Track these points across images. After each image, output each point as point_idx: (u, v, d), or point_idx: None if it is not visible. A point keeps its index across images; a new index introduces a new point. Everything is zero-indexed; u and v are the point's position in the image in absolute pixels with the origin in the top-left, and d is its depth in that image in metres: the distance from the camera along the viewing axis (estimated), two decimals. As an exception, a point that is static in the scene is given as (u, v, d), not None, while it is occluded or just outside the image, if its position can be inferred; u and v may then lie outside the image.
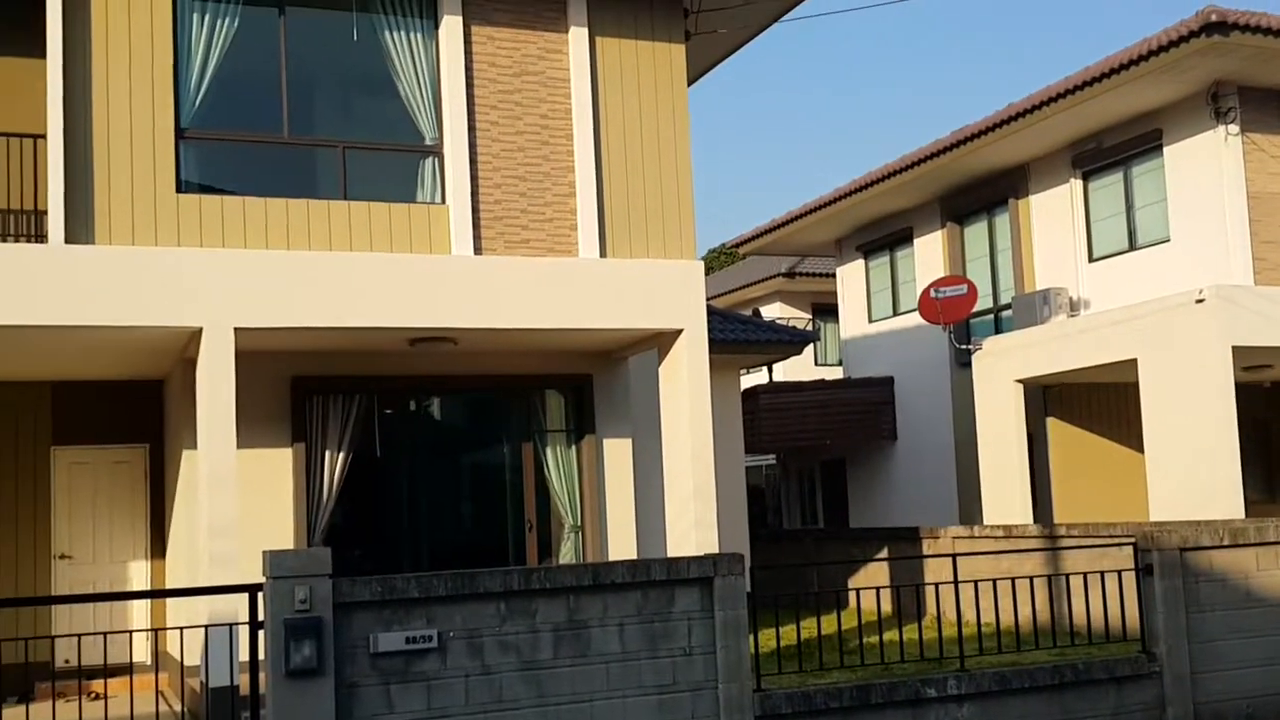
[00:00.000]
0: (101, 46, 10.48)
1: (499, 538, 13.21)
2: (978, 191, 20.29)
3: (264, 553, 7.62)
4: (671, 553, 12.14)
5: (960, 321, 18.82)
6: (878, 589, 10.64)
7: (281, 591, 7.40)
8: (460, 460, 13.54)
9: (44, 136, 10.26)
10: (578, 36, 12.07)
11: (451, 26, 11.70)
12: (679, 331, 12.01)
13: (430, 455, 13.10)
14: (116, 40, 10.54)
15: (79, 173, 10.30)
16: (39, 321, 9.94)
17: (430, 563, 12.73)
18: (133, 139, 10.52)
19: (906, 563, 15.48)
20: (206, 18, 11.04)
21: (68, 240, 10.20)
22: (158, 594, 8.89)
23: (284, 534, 11.71)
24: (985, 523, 17.29)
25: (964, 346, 19.13)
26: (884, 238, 22.81)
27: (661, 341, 12.30)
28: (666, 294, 11.96)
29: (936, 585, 11.22)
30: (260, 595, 7.50)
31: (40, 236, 10.72)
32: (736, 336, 17.05)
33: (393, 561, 12.57)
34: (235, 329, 10.42)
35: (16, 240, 10.90)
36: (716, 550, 11.78)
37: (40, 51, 10.29)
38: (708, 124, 78.48)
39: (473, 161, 11.75)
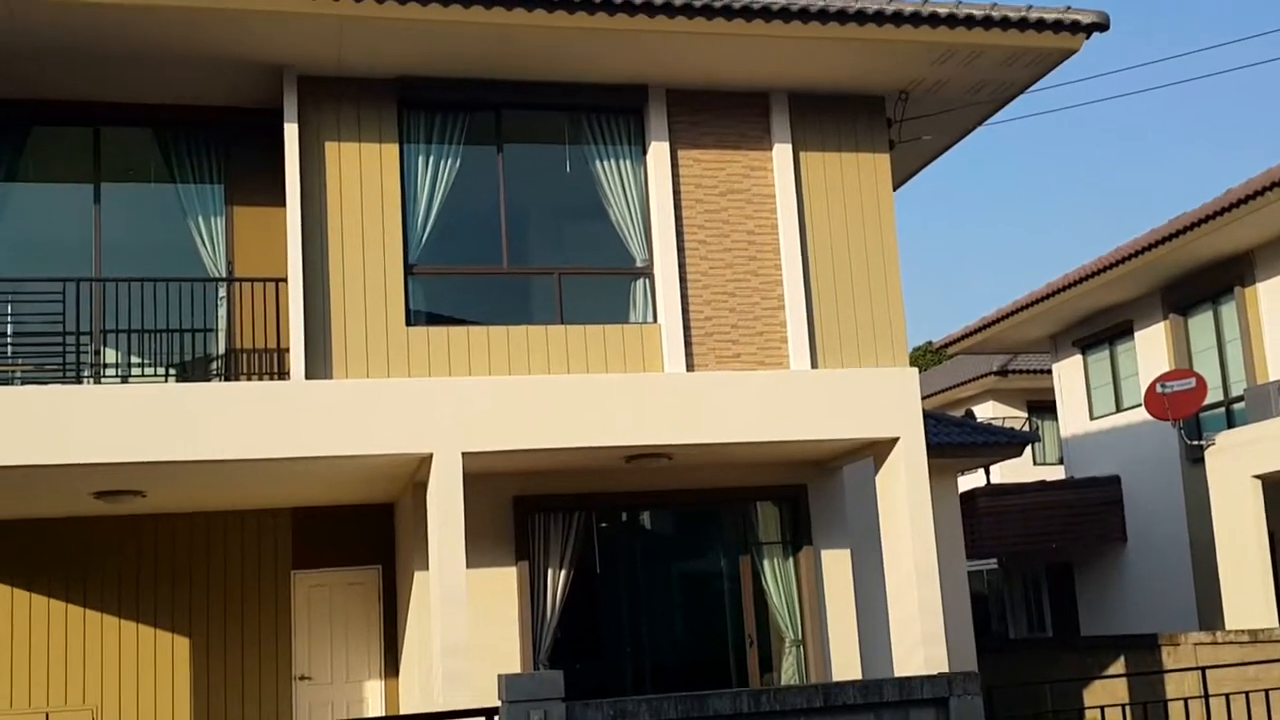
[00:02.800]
0: (335, 193, 11.21)
1: (719, 653, 13.10)
2: (1200, 280, 19.43)
3: (499, 676, 7.78)
4: (898, 669, 11.81)
5: (1189, 416, 17.94)
6: (1122, 706, 10.06)
7: (517, 716, 7.52)
8: (678, 574, 13.56)
9: (285, 279, 10.97)
10: (782, 153, 12.26)
11: (659, 152, 12.06)
12: (895, 440, 11.83)
13: (648, 570, 13.17)
14: (349, 186, 11.25)
15: (317, 311, 10.97)
16: (283, 454, 10.52)
17: (652, 678, 12.72)
18: (365, 277, 11.15)
19: (1146, 668, 14.61)
20: (430, 159, 11.69)
21: (308, 376, 10.83)
22: (396, 719, 9.11)
23: (511, 651, 11.90)
24: (1228, 627, 16.22)
25: (1195, 442, 18.17)
26: (1102, 331, 22.03)
27: (877, 450, 12.13)
28: (881, 402, 11.83)
29: (1185, 701, 10.56)
30: (496, 719, 7.63)
31: (283, 373, 11.40)
32: (952, 440, 16.66)
33: (615, 677, 12.61)
34: (463, 453, 10.80)
35: (262, 378, 11.60)
36: (946, 666, 11.39)
37: (283, 200, 11.06)
38: (903, 222, 77.90)
39: (682, 280, 11.98)
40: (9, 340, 11.34)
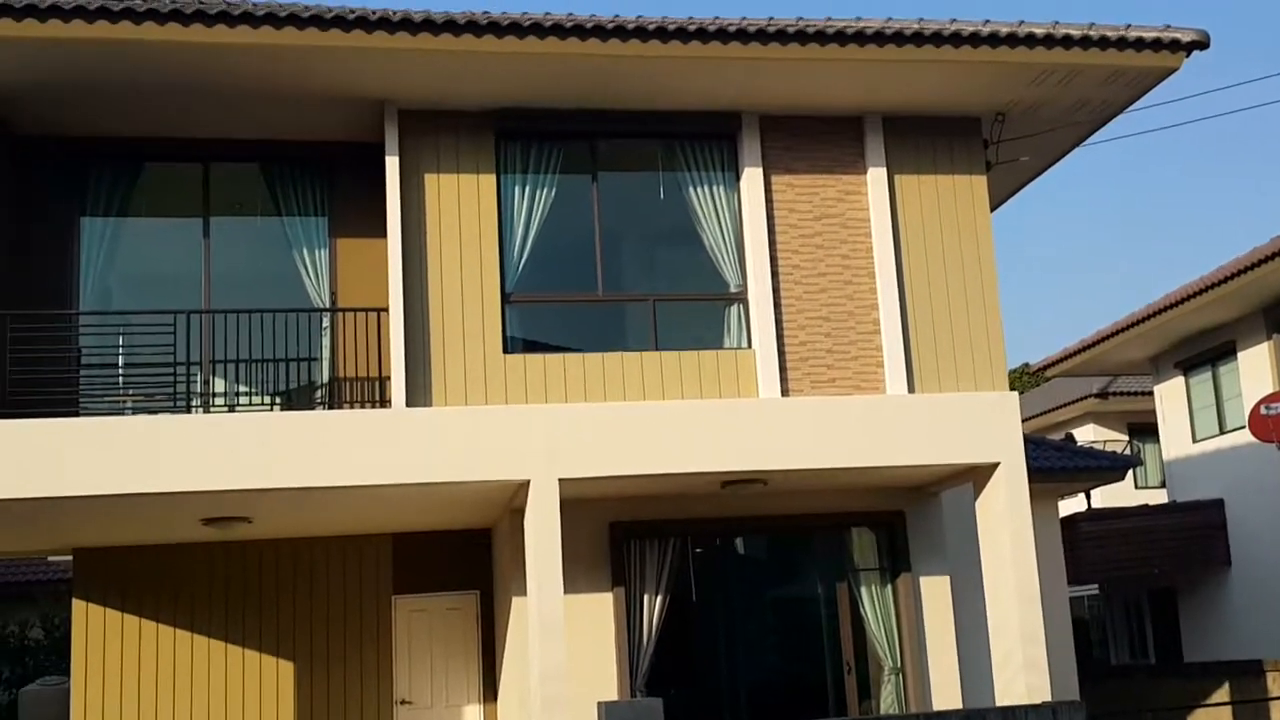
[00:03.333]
0: (435, 224, 11.41)
1: (817, 679, 12.99)
2: (1306, 298, 18.92)
3: (599, 703, 7.83)
4: (999, 697, 11.60)
5: (1297, 438, 17.44)
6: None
7: (619, 743, 7.54)
8: (773, 600, 13.48)
9: (386, 309, 11.18)
10: (876, 177, 12.21)
11: (752, 177, 12.08)
12: (995, 465, 11.67)
13: (744, 595, 13.12)
14: (448, 217, 11.44)
15: (417, 340, 11.15)
16: (384, 481, 10.68)
17: (748, 705, 12.65)
18: (464, 306, 11.32)
19: (1252, 695, 14.18)
20: (527, 189, 11.85)
21: (408, 403, 11.00)
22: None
23: (607, 677, 11.92)
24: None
25: (1305, 465, 17.66)
26: (1205, 352, 21.50)
27: (976, 476, 11.97)
28: (980, 427, 11.68)
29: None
30: (598, 747, 7.66)
31: (384, 401, 11.59)
32: (1053, 464, 16.39)
33: (711, 704, 12.57)
34: (559, 479, 10.88)
35: (364, 406, 11.81)
36: (1048, 695, 11.17)
37: (384, 231, 11.28)
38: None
39: (777, 305, 11.96)
40: (121, 371, 11.67)
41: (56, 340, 10.99)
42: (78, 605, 12.62)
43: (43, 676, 18.29)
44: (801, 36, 11.04)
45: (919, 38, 11.20)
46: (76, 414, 10.88)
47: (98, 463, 10.04)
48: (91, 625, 12.64)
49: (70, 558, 13.36)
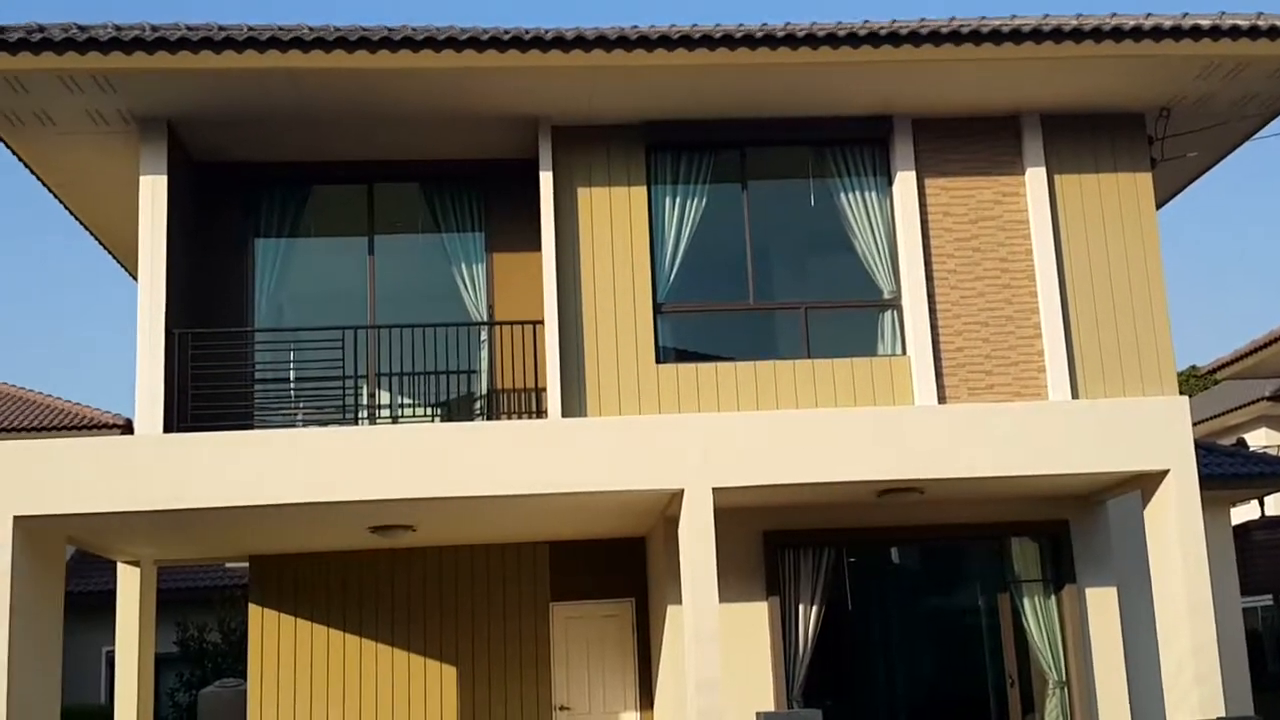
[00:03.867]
0: (588, 236, 11.60)
1: (978, 692, 12.71)
2: None
3: (757, 714, 7.83)
4: (1170, 712, 11.18)
5: None
6: None
7: (779, 754, 7.51)
8: (932, 611, 13.25)
9: (542, 321, 11.40)
10: (1035, 177, 11.94)
11: (905, 181, 11.94)
12: (1165, 472, 11.25)
13: (901, 606, 12.93)
14: (600, 229, 11.63)
15: (572, 351, 11.35)
16: (541, 490, 10.87)
17: (907, 719, 12.46)
18: (616, 317, 11.48)
19: None
20: (677, 200, 11.96)
21: (564, 414, 11.19)
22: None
23: (763, 688, 11.88)
24: None
25: None
26: (1389, 351, 20.38)
27: (1144, 483, 11.56)
28: (1148, 433, 11.27)
29: None
30: (758, 756, 7.65)
31: (541, 412, 11.81)
32: (1224, 470, 15.74)
33: (869, 716, 12.42)
34: (713, 488, 10.90)
35: (521, 416, 12.05)
36: (1222, 709, 10.73)
37: (539, 245, 11.53)
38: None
39: (932, 311, 11.79)
40: (293, 385, 12.15)
41: (233, 357, 11.51)
42: (254, 610, 13.13)
43: (221, 679, 19.11)
44: (955, 37, 10.88)
45: (1077, 34, 10.93)
46: (252, 427, 11.37)
47: (272, 473, 10.45)
48: (267, 629, 13.12)
49: (246, 564, 13.91)
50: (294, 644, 13.19)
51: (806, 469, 11.05)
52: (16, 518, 9.79)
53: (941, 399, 11.61)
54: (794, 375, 11.57)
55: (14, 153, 11.92)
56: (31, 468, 9.92)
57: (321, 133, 11.71)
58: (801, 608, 12.31)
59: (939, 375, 11.68)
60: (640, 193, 11.78)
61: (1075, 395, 11.62)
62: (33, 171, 12.35)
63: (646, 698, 13.45)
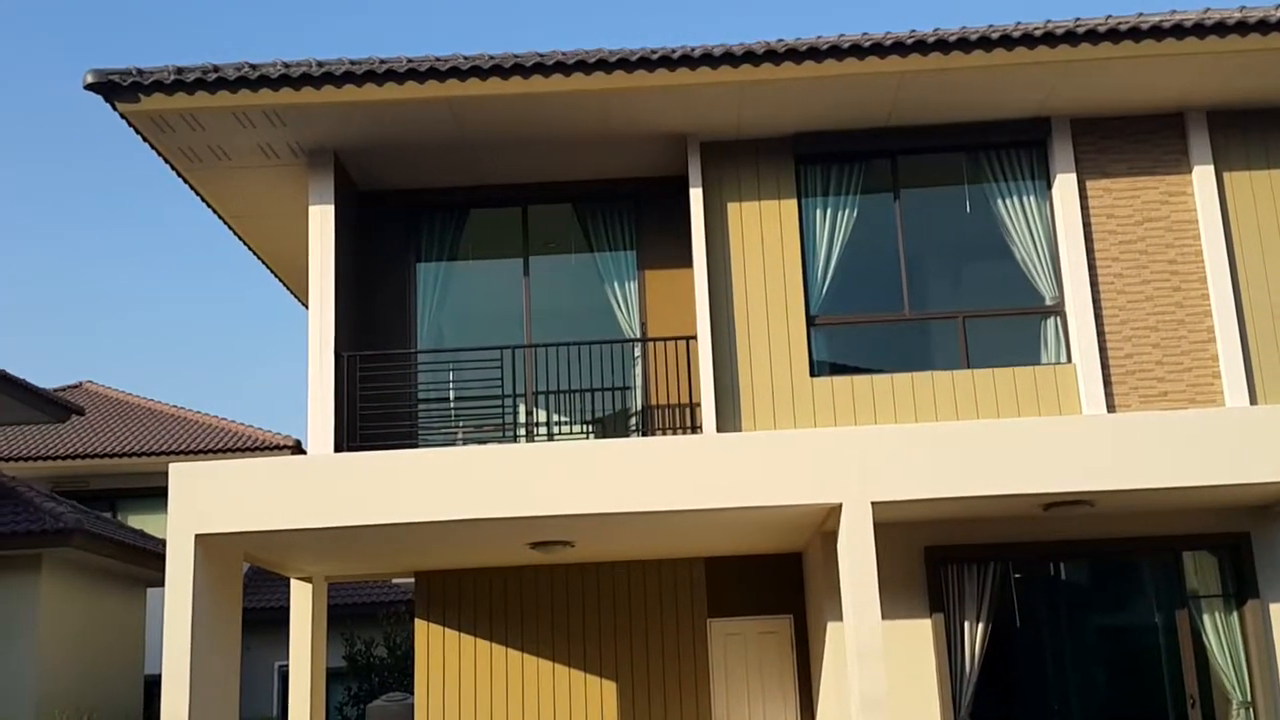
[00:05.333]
0: (739, 251, 11.61)
1: (1156, 713, 12.21)
2: None
3: (928, 731, 7.64)
4: (1370, 737, 10.57)
5: None
6: None
7: (950, 771, 7.33)
8: (1104, 628, 12.78)
9: (695, 337, 11.44)
10: (1203, 175, 11.51)
11: (1065, 184, 11.64)
12: (1355, 481, 10.68)
13: (1072, 623, 12.51)
14: (751, 244, 11.63)
15: (725, 366, 11.35)
16: (697, 505, 10.87)
17: (1081, 740, 12.04)
18: (769, 331, 11.44)
19: None
20: (828, 211, 11.88)
21: (719, 429, 11.19)
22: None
23: (929, 706, 11.64)
24: None
25: None
26: None
27: (1334, 493, 10.99)
28: (1335, 440, 10.71)
29: None
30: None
31: (695, 427, 11.84)
32: None
33: (1041, 736, 12.05)
34: (872, 503, 10.75)
35: (676, 432, 12.10)
36: None
37: (689, 261, 11.59)
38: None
39: (1098, 317, 11.45)
40: (453, 405, 12.44)
41: (398, 378, 11.86)
42: (420, 625, 13.44)
43: (387, 692, 19.60)
44: (1114, 35, 10.58)
45: (1243, 27, 10.52)
46: (415, 446, 11.67)
47: (436, 491, 10.69)
48: (433, 643, 13.41)
49: (411, 580, 14.25)
50: (459, 658, 13.44)
51: (969, 482, 10.80)
52: (198, 535, 10.22)
53: (1110, 408, 11.24)
54: (953, 386, 11.36)
55: (192, 188, 12.55)
56: (211, 488, 10.35)
57: (477, 158, 12.02)
58: (967, 625, 12.02)
59: (1107, 383, 11.32)
60: (790, 205, 11.75)
61: (1254, 401, 11.12)
62: (210, 205, 12.98)
63: (807, 714, 13.30)
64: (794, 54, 10.70)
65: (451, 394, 12.44)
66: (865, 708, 10.27)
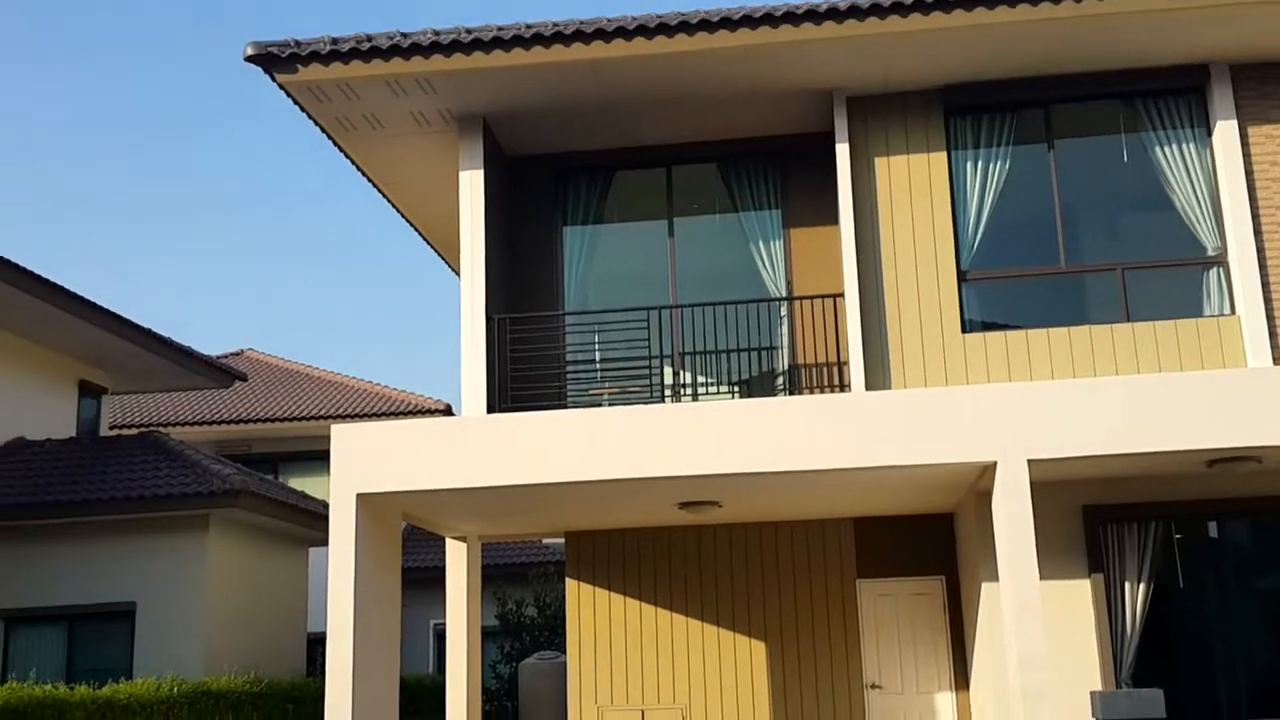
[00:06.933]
0: (886, 207, 11.45)
1: (1332, 680, 11.77)
2: None
3: (1092, 694, 7.53)
4: None
5: None
6: None
7: (1115, 731, 7.20)
8: (1270, 591, 12.32)
9: (842, 294, 11.34)
10: (1378, 116, 10.93)
11: (1225, 131, 11.18)
12: None
13: (1238, 584, 12.09)
14: (899, 199, 11.45)
15: (874, 324, 11.23)
16: (845, 465, 10.79)
17: (1250, 705, 11.65)
18: (919, 287, 11.27)
19: None
20: (979, 164, 11.62)
21: (867, 387, 11.09)
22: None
23: (1088, 667, 11.40)
24: None
25: None
26: None
27: None
28: None
29: None
30: (1093, 733, 7.36)
31: (844, 385, 11.75)
32: None
33: (1204, 702, 11.70)
34: (1028, 460, 10.53)
35: (823, 391, 12.03)
36: None
37: (835, 219, 11.48)
38: None
39: (1262, 266, 11.00)
40: (599, 365, 12.58)
41: (547, 340, 12.04)
42: (570, 584, 13.68)
43: (539, 651, 20.01)
44: (1282, -28, 10.09)
45: None
46: (564, 406, 11.85)
47: (587, 451, 10.84)
48: (583, 603, 13.65)
49: (561, 540, 14.50)
50: (609, 617, 13.64)
51: (1130, 438, 10.50)
52: (359, 495, 10.55)
53: (1277, 360, 10.79)
54: (1112, 340, 11.04)
55: (348, 157, 12.91)
56: (371, 448, 10.66)
57: (622, 120, 12.08)
58: (1127, 585, 11.73)
59: (1273, 335, 10.89)
60: (940, 159, 11.54)
61: None
62: (365, 174, 13.34)
63: (961, 677, 13.16)
64: (943, 3, 10.48)
65: (597, 355, 12.58)
66: (1023, 669, 10.11)
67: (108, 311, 18.09)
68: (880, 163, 11.54)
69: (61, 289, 17.00)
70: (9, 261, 15.96)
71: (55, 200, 62.35)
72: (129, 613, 15.98)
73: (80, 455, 17.45)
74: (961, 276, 11.39)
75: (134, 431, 21.45)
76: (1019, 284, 11.83)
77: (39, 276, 16.51)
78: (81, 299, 17.43)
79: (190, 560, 16.25)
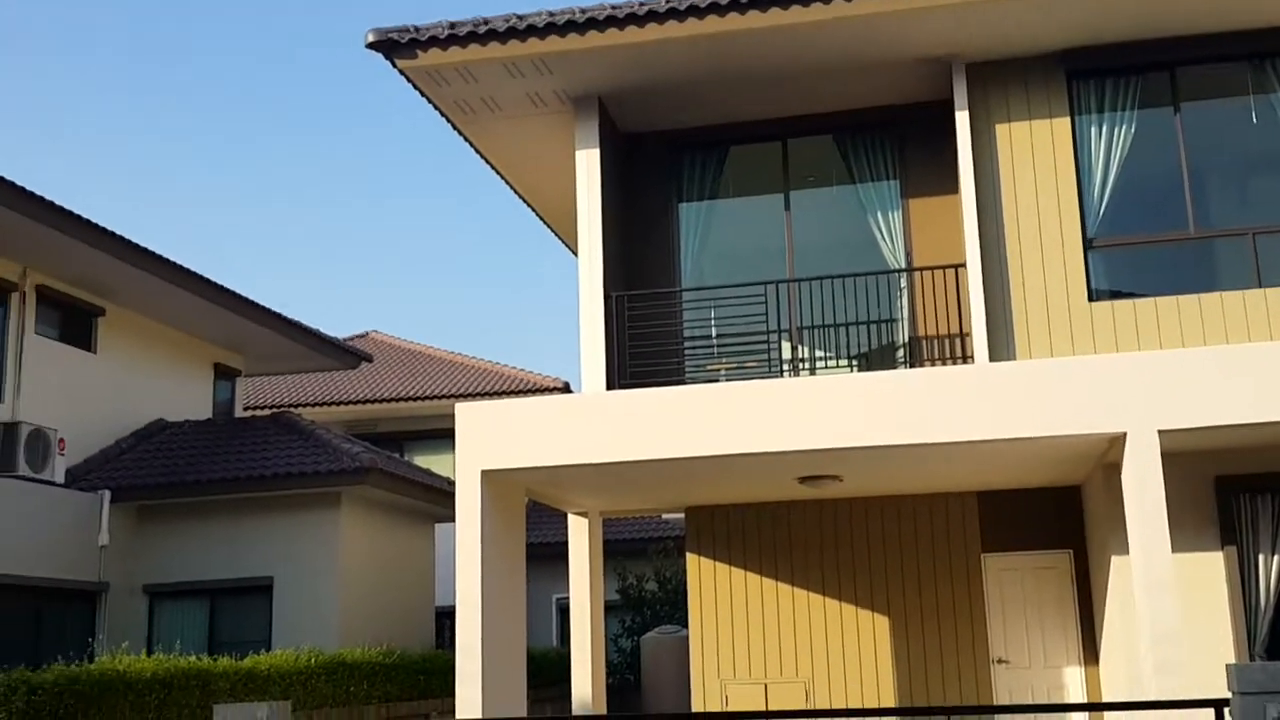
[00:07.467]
0: (1008, 174, 11.25)
1: None
2: None
3: (1228, 667, 7.33)
4: None
5: None
6: None
7: (1251, 710, 7.03)
8: None
9: (963, 264, 11.19)
10: None
11: (1367, 87, 10.74)
12: None
13: (1383, 559, 11.66)
14: (1021, 166, 11.25)
15: (996, 294, 11.07)
16: (968, 437, 10.68)
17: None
18: (1043, 256, 11.07)
19: None
20: (1103, 129, 11.36)
21: (991, 358, 10.94)
22: (1103, 706, 8.83)
23: (1220, 641, 11.14)
24: None
25: None
26: None
27: None
28: None
29: None
30: (1226, 711, 7.19)
31: (966, 357, 11.61)
32: None
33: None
34: (1158, 431, 10.30)
35: (944, 363, 11.91)
36: None
37: (955, 188, 11.33)
38: None
39: (1403, 227, 10.55)
40: (716, 341, 12.63)
41: (664, 316, 12.12)
42: (691, 559, 13.79)
43: (660, 625, 20.21)
44: None
45: None
46: (682, 382, 11.93)
47: (705, 426, 10.91)
48: (704, 577, 13.75)
49: (680, 515, 14.61)
50: (730, 591, 13.72)
51: (1262, 408, 10.18)
52: (483, 471, 10.79)
53: None
54: (1244, 306, 10.72)
55: (467, 140, 13.14)
56: (494, 426, 10.88)
57: (736, 94, 12.08)
58: (1261, 558, 11.40)
59: None
60: (1063, 124, 11.30)
61: None
62: (483, 156, 13.57)
63: (1090, 651, 12.95)
64: (1066, -36, 10.26)
65: (714, 331, 12.62)
66: (1156, 643, 9.93)
67: (243, 297, 18.72)
68: (1001, 129, 11.35)
69: (200, 276, 17.64)
70: (150, 252, 16.62)
71: (173, 189, 64.53)
72: (267, 587, 16.57)
73: (217, 436, 18.12)
74: (1087, 244, 11.15)
75: (266, 412, 22.16)
76: (1146, 250, 11.54)
77: (177, 264, 17.16)
78: (218, 285, 18.06)
79: (324, 536, 16.77)
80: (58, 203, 14.87)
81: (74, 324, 17.25)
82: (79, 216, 15.27)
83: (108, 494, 16.24)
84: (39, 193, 14.57)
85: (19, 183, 14.26)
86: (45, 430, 15.49)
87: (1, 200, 14.15)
